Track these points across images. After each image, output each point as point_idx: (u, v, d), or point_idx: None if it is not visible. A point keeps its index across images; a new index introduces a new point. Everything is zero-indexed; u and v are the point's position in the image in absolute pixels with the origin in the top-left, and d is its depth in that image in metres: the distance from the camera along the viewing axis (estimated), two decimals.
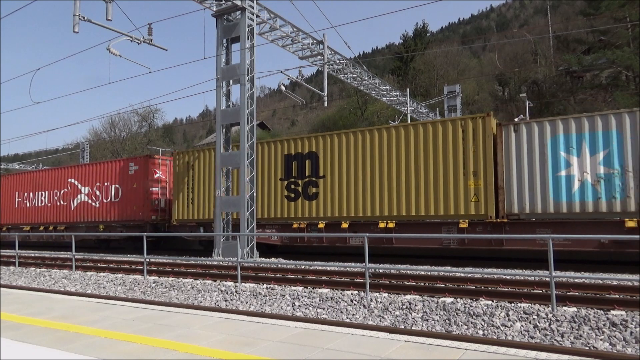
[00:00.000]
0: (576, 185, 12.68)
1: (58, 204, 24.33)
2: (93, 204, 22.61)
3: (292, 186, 17.18)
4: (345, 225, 15.77)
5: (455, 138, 14.37)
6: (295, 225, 16.80)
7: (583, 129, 12.72)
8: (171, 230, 20.19)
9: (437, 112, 35.61)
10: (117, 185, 21.74)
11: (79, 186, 23.36)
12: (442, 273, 10.84)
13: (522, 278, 10.04)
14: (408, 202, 14.91)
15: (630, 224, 11.88)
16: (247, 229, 16.23)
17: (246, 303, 9.85)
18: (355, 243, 15.52)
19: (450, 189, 14.28)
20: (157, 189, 21.07)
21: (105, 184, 22.17)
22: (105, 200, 22.13)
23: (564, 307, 7.75)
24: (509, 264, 13.22)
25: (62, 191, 24.20)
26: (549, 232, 12.57)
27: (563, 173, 12.87)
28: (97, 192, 22.50)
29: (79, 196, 23.34)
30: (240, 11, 16.89)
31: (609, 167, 12.38)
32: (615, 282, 9.13)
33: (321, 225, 16.19)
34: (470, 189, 14.01)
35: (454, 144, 14.38)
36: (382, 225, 15.14)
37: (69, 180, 23.89)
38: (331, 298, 9.39)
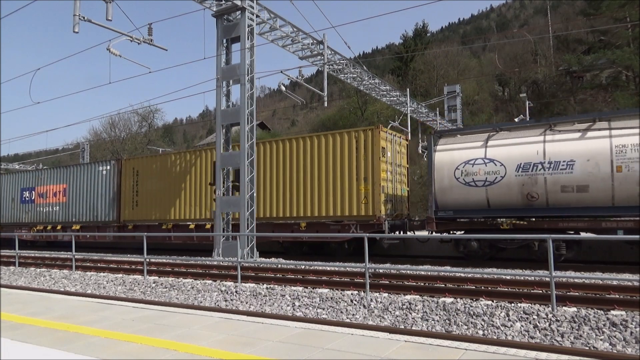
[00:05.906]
0: None
1: None
2: None
3: None
4: None
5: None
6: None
7: None
8: None
9: (437, 112, 35.56)
10: None
11: None
12: (442, 273, 10.84)
13: (522, 278, 10.04)
14: None
15: None
16: (247, 229, 16.23)
17: (246, 303, 9.85)
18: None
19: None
20: None
21: None
22: None
23: (564, 307, 7.75)
24: (509, 264, 13.22)
25: None
26: None
27: None
28: None
29: None
30: (240, 11, 16.87)
31: None
32: (615, 282, 9.12)
33: None
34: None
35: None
36: None
37: None
38: (331, 298, 9.39)
